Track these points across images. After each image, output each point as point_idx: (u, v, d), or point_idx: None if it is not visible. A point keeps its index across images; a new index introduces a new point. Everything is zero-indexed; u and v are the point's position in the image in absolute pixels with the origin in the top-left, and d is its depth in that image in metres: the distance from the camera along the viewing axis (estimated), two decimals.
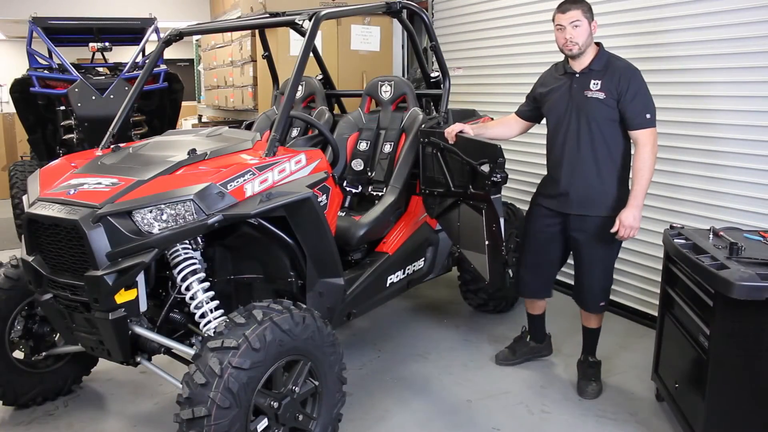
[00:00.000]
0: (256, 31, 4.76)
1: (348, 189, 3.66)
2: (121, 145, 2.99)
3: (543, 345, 3.50)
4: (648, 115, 2.84)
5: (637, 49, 3.93)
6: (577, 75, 2.95)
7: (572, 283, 3.24)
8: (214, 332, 2.25)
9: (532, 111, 3.26)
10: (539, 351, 3.48)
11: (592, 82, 2.89)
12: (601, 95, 2.86)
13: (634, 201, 2.84)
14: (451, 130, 3.16)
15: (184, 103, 6.65)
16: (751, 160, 3.40)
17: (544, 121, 3.24)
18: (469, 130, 3.18)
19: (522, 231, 3.39)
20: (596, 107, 2.88)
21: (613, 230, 2.88)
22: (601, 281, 3.07)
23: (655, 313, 3.18)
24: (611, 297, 4.26)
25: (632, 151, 2.97)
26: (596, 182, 2.94)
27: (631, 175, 2.96)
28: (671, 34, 3.74)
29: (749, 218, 3.41)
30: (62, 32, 6.39)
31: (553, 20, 2.95)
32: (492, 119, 4.22)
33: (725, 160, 3.53)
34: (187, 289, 2.54)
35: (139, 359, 2.60)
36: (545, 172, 3.21)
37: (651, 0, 3.85)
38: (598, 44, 2.97)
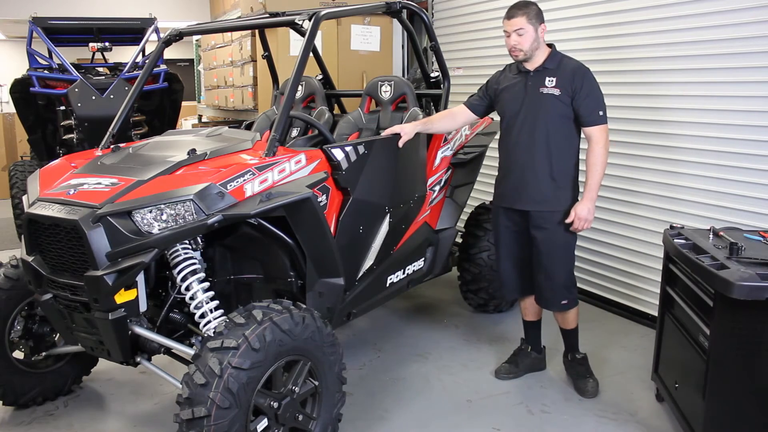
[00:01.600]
0: (256, 31, 4.76)
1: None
2: (121, 145, 2.99)
3: (542, 356, 3.46)
4: (601, 113, 2.91)
5: (636, 49, 3.93)
6: (531, 73, 2.99)
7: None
8: (214, 332, 2.25)
9: (483, 105, 3.25)
10: (539, 363, 3.44)
11: (547, 79, 2.94)
12: (557, 92, 2.91)
13: (588, 194, 2.93)
14: (391, 131, 3.22)
15: (184, 103, 6.66)
16: (751, 160, 3.40)
17: None
18: (408, 129, 3.23)
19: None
20: (551, 103, 2.92)
21: (567, 221, 2.95)
22: (561, 278, 3.07)
23: (655, 313, 3.18)
24: (612, 297, 4.30)
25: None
26: (550, 178, 2.97)
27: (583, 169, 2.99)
28: (671, 33, 3.74)
29: (749, 218, 3.41)
30: (62, 32, 6.39)
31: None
32: (492, 120, 4.23)
33: (726, 160, 3.52)
34: (187, 289, 2.54)
35: (139, 359, 2.60)
36: None
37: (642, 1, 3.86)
38: (550, 45, 3.01)
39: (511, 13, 2.92)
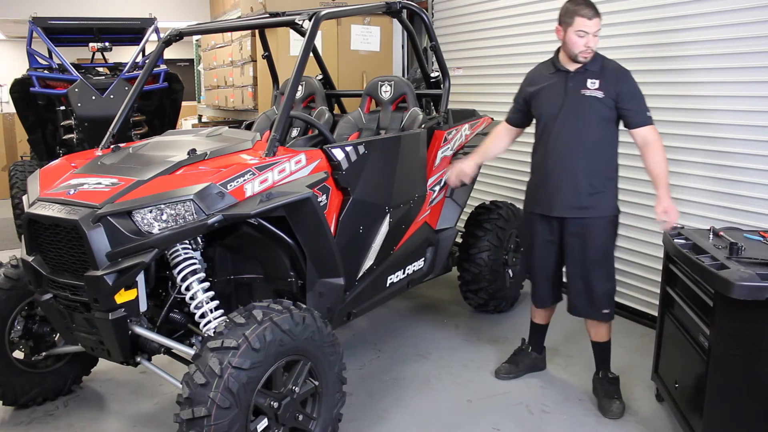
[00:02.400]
0: (256, 31, 4.76)
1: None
2: (121, 145, 2.99)
3: (542, 356, 3.43)
4: (648, 113, 2.85)
5: (637, 49, 3.93)
6: (571, 73, 2.89)
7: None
8: (214, 332, 2.25)
9: (522, 114, 3.17)
10: (539, 363, 3.42)
11: (589, 81, 2.85)
12: (600, 94, 2.83)
13: (665, 191, 2.82)
14: (456, 179, 3.24)
15: (184, 103, 6.66)
16: (751, 160, 3.40)
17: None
18: (469, 169, 3.28)
19: (521, 236, 3.32)
20: (594, 105, 2.84)
21: (660, 218, 2.81)
22: (603, 287, 2.97)
23: (655, 313, 3.18)
24: None
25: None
26: (592, 182, 2.88)
27: (647, 171, 2.90)
28: (671, 34, 3.74)
29: (749, 218, 3.41)
30: (62, 32, 6.39)
31: (569, 22, 2.81)
32: (492, 120, 4.23)
33: (725, 160, 3.53)
34: (187, 289, 2.54)
35: (139, 359, 2.60)
36: None
37: (651, 0, 3.85)
38: None
39: (593, 12, 2.77)
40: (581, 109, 2.87)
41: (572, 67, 2.89)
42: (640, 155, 2.90)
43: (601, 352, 3.14)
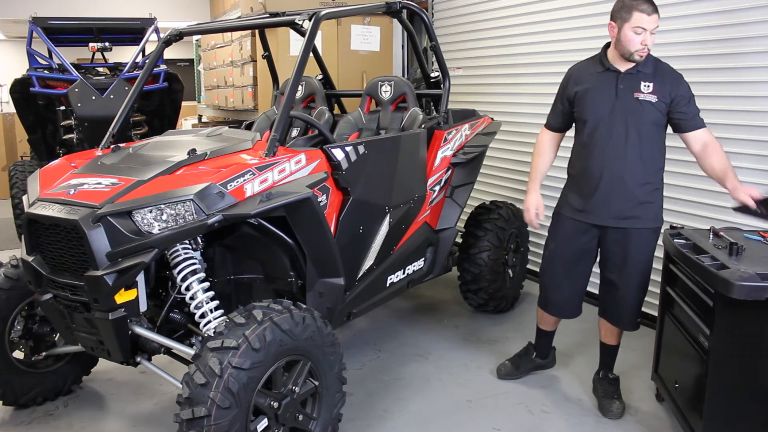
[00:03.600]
0: (256, 31, 4.76)
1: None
2: (121, 145, 2.99)
3: (547, 360, 3.42)
4: (701, 116, 2.78)
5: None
6: (623, 75, 2.75)
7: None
8: (214, 332, 2.25)
9: (566, 117, 2.99)
10: (543, 366, 3.41)
11: (643, 84, 2.72)
12: (654, 98, 2.70)
13: (738, 181, 2.69)
14: (536, 217, 3.02)
15: (184, 103, 6.65)
16: (751, 160, 3.40)
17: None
18: (539, 200, 3.02)
19: (547, 246, 3.11)
20: (647, 110, 2.71)
21: (746, 201, 2.64)
22: (638, 296, 2.93)
23: (655, 313, 3.18)
24: None
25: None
26: (641, 191, 2.77)
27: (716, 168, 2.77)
28: (670, 34, 3.74)
29: (749, 218, 3.40)
30: (62, 32, 6.39)
31: (626, 18, 2.65)
32: (492, 120, 4.23)
33: None
34: (187, 289, 2.54)
35: (139, 359, 2.60)
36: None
37: None
38: None
39: (651, 9, 2.62)
40: (634, 113, 2.73)
41: (623, 66, 2.75)
42: (697, 159, 2.81)
43: (609, 353, 3.14)
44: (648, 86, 2.72)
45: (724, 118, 3.52)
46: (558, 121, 3.04)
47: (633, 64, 2.73)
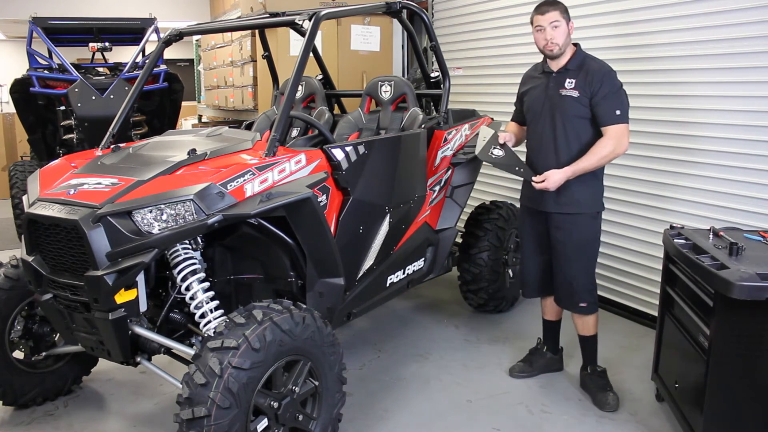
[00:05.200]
0: (256, 31, 4.76)
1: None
2: (121, 145, 2.99)
3: (557, 357, 3.44)
4: (618, 112, 2.87)
5: (634, 49, 3.93)
6: (554, 74, 2.99)
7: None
8: (214, 332, 2.25)
9: (520, 114, 3.28)
10: (554, 364, 3.43)
11: (567, 80, 2.94)
12: (575, 93, 2.91)
13: (570, 169, 2.89)
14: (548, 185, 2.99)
15: (184, 103, 6.66)
16: (751, 160, 3.40)
17: None
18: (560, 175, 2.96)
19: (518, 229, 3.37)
20: (570, 104, 2.93)
21: (535, 178, 2.94)
22: (580, 280, 3.05)
23: (655, 313, 3.18)
24: (611, 297, 4.30)
25: None
26: (572, 179, 2.93)
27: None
28: (670, 34, 3.74)
29: (749, 218, 3.41)
30: (62, 32, 6.39)
31: (531, 22, 2.98)
32: (492, 119, 4.23)
33: (725, 160, 3.52)
34: (187, 289, 2.54)
35: (139, 359, 2.60)
36: None
37: (642, 2, 3.86)
38: (575, 45, 3.01)
39: (544, 8, 2.91)
40: (559, 108, 2.96)
41: (555, 67, 2.99)
42: None
43: (587, 345, 3.21)
44: (571, 83, 2.94)
45: (724, 118, 3.52)
46: (517, 116, 3.35)
47: (563, 64, 2.97)
